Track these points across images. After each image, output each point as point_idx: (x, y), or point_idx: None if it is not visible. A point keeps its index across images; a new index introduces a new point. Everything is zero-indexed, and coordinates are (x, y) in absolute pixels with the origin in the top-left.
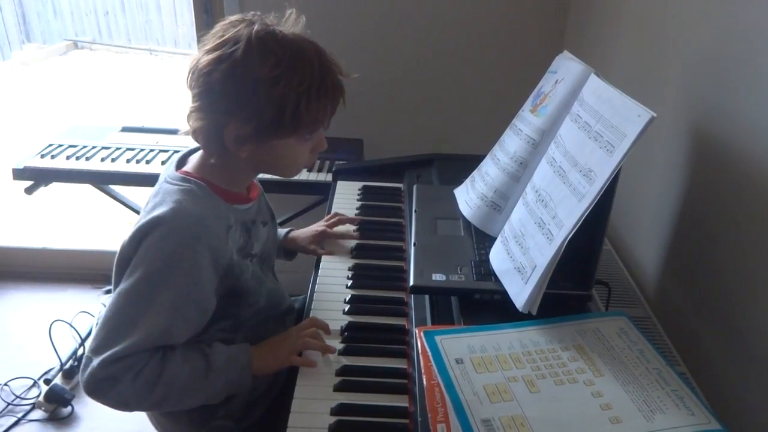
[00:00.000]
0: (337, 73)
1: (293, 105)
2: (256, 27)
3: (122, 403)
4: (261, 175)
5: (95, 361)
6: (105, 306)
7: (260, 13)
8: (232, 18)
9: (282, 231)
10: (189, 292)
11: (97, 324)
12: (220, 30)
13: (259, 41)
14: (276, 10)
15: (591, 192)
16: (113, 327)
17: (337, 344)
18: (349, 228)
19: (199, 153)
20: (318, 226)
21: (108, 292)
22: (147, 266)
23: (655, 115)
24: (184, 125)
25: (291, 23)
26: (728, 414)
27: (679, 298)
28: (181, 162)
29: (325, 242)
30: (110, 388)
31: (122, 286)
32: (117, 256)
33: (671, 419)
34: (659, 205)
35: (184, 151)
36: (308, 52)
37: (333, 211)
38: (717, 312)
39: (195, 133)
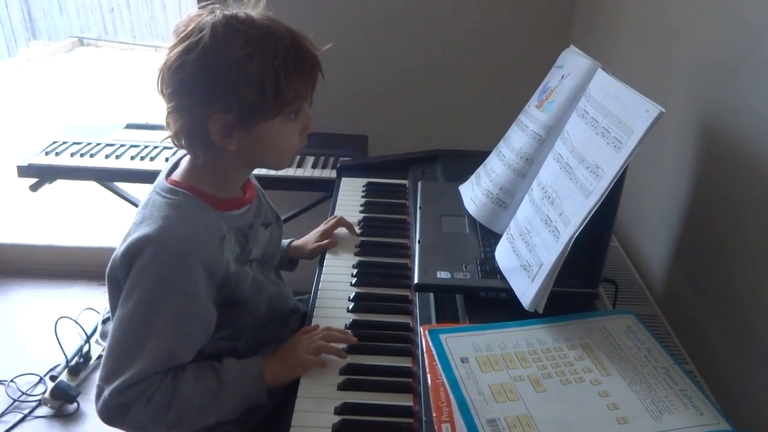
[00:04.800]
0: (310, 47)
1: (273, 80)
2: (218, 13)
3: (139, 428)
4: (264, 173)
5: (106, 391)
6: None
7: (219, 5)
8: (192, 12)
9: (284, 242)
10: (188, 309)
11: (103, 322)
12: (181, 25)
13: (225, 25)
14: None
15: (598, 188)
16: (119, 354)
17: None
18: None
19: (187, 158)
20: (318, 228)
21: None
22: (142, 290)
23: (663, 110)
24: (166, 130)
25: (252, 5)
26: (737, 414)
27: (688, 296)
28: (175, 167)
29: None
30: (124, 415)
31: (120, 312)
32: (108, 268)
33: (680, 419)
34: (667, 202)
35: (180, 155)
36: (277, 27)
37: (337, 207)
38: (726, 310)
39: (177, 136)
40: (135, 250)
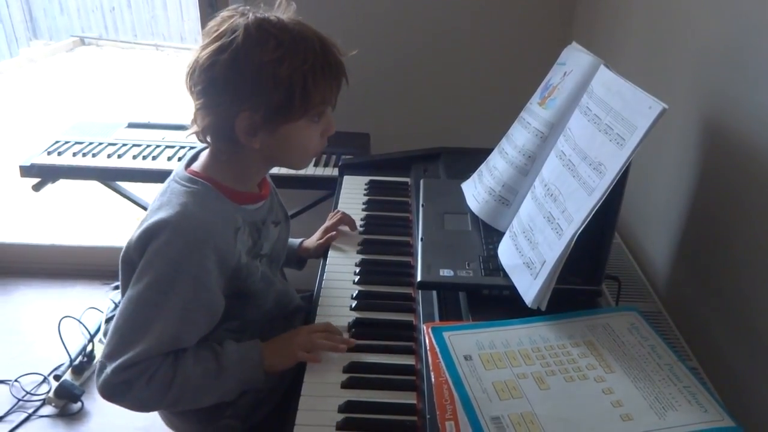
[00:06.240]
0: (337, 53)
1: (301, 84)
2: (250, 16)
3: (139, 405)
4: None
5: (109, 368)
6: (114, 303)
7: (250, 7)
8: (224, 13)
9: (295, 242)
10: (197, 296)
11: (106, 321)
12: (214, 25)
13: (257, 27)
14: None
15: (601, 186)
16: (124, 333)
17: None
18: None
19: (208, 151)
20: (322, 227)
21: (117, 288)
22: (154, 272)
23: (666, 106)
24: (191, 127)
25: (282, 10)
26: (742, 410)
27: (691, 293)
28: (193, 159)
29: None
30: (125, 393)
31: (131, 292)
32: (123, 252)
33: (684, 416)
34: (670, 198)
35: (199, 148)
36: (307, 32)
37: (339, 205)
38: (729, 306)
39: (204, 132)
40: (151, 234)
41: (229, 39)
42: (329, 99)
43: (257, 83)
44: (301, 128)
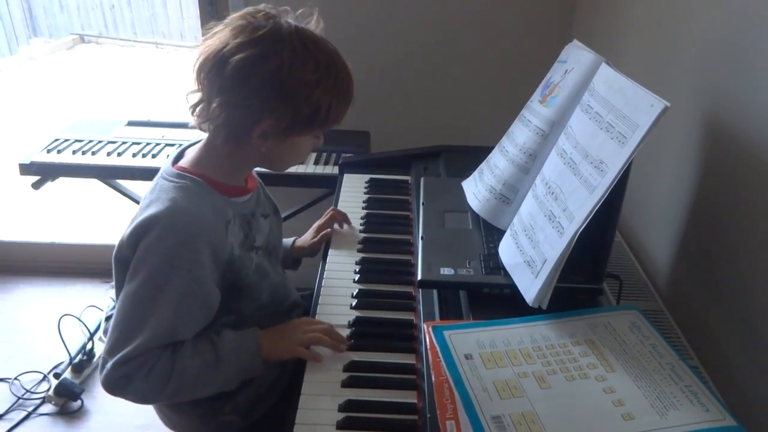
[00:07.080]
0: (352, 76)
1: (327, 107)
2: (293, 25)
3: (140, 397)
4: (265, 170)
5: (109, 363)
6: (114, 301)
7: (287, 8)
8: (260, 10)
9: (288, 241)
10: (191, 290)
11: (106, 319)
12: (247, 23)
13: (301, 43)
14: (280, 2)
15: (602, 184)
16: (123, 329)
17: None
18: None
19: (198, 146)
20: (314, 225)
21: None
22: (148, 268)
23: (668, 104)
24: (195, 113)
25: (313, 25)
26: (743, 409)
27: (692, 291)
28: (179, 156)
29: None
30: (125, 386)
31: (126, 289)
32: (115, 251)
33: (685, 416)
34: (672, 197)
35: (185, 144)
36: (337, 57)
37: (340, 204)
38: (730, 305)
39: (215, 125)
40: (142, 230)
41: (272, 48)
42: (340, 119)
43: (292, 98)
44: (305, 140)
